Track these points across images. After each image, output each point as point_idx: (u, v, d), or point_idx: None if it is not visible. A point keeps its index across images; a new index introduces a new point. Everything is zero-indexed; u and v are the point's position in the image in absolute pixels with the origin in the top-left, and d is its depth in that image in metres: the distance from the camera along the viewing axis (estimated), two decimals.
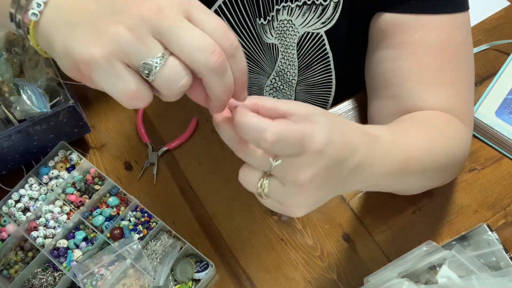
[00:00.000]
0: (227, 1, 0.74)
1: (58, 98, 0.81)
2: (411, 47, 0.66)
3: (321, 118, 0.41)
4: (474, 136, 0.81)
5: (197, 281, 0.73)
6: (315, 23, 0.74)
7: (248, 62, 0.84)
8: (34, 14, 0.39)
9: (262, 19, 0.75)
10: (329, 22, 0.73)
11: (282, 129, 0.38)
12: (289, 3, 0.71)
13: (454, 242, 0.68)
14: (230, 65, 0.39)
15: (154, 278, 0.73)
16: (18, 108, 0.76)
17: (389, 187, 0.63)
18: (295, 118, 0.40)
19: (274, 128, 0.38)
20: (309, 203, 0.43)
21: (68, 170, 0.82)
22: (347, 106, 0.86)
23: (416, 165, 0.58)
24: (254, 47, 0.81)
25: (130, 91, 0.37)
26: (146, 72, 0.37)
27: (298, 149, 0.39)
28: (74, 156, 0.82)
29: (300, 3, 0.71)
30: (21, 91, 0.77)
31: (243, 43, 0.80)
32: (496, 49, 0.90)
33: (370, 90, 0.75)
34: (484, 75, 0.87)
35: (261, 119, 0.39)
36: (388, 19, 0.67)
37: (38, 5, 0.39)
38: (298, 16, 0.73)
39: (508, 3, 0.95)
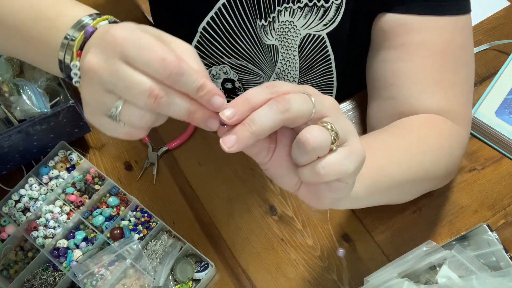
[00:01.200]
0: (226, 3, 0.74)
1: (58, 98, 0.81)
2: (412, 48, 0.66)
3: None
4: (474, 136, 0.81)
5: (197, 281, 0.73)
6: (317, 25, 0.74)
7: (248, 64, 0.84)
8: (76, 82, 0.46)
9: (262, 20, 0.75)
10: (331, 24, 0.73)
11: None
12: (290, 4, 0.71)
13: (454, 242, 0.68)
14: (180, 89, 0.39)
15: (154, 278, 0.73)
16: (18, 108, 0.76)
17: (372, 204, 0.64)
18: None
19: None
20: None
21: (68, 170, 0.82)
22: (347, 106, 0.86)
23: (399, 183, 0.60)
24: (254, 48, 0.81)
25: (123, 133, 0.42)
26: (115, 120, 0.41)
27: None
28: (74, 156, 0.82)
29: (301, 5, 0.71)
30: (21, 91, 0.77)
31: (243, 45, 0.80)
32: (496, 49, 0.90)
33: (370, 91, 0.75)
34: (484, 75, 0.87)
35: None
36: (390, 20, 0.67)
37: (75, 74, 0.46)
38: (299, 17, 0.73)
39: (508, 3, 0.95)
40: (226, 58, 0.83)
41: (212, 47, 0.82)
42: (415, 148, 0.63)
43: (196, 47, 0.83)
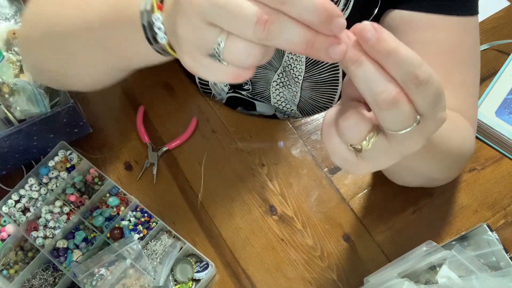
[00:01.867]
0: None
1: (58, 98, 0.81)
2: (420, 46, 0.66)
3: None
4: None
5: (197, 281, 0.73)
6: None
7: None
8: (162, 38, 0.42)
9: None
10: None
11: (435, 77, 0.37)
12: None
13: (454, 242, 0.68)
14: (288, 13, 0.34)
15: (154, 278, 0.73)
16: (18, 108, 0.76)
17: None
18: None
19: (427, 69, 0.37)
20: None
21: (68, 170, 0.82)
22: None
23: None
24: None
25: (228, 76, 0.38)
26: (218, 59, 0.36)
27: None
28: (74, 156, 0.82)
29: None
30: (21, 91, 0.77)
31: None
32: (496, 49, 0.90)
33: None
34: (484, 75, 0.87)
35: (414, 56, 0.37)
36: (398, 17, 0.67)
37: (159, 29, 0.42)
38: None
39: (508, 3, 0.95)
40: None
41: None
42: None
43: None
